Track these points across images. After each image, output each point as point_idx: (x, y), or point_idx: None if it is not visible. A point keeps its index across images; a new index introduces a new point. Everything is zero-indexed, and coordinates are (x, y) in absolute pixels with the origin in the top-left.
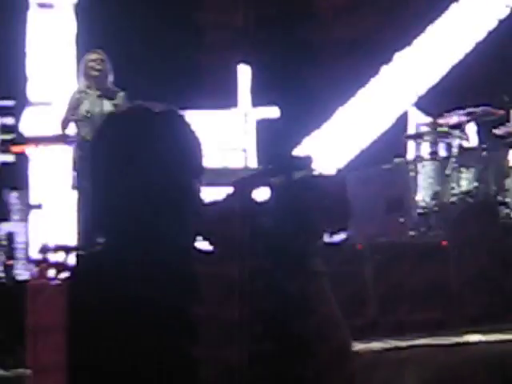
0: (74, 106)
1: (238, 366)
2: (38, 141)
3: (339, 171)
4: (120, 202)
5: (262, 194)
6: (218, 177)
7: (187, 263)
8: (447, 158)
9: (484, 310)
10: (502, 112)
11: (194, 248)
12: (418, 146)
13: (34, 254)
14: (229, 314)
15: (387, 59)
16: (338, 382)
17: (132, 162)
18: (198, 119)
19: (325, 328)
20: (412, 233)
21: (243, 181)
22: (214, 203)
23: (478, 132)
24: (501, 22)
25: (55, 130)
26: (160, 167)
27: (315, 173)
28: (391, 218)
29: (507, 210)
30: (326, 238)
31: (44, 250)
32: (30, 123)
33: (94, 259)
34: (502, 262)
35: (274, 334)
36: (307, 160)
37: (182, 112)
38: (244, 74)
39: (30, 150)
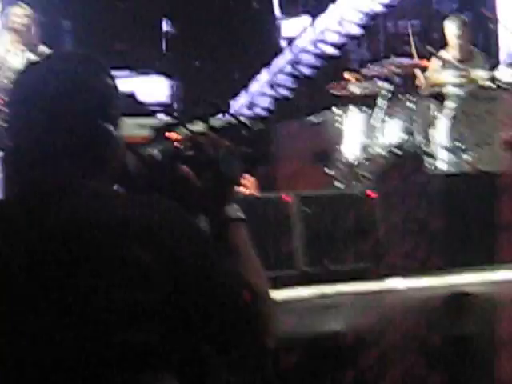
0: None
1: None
2: None
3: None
4: (35, 151)
5: (181, 141)
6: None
7: (109, 209)
8: (373, 109)
9: (410, 257)
10: (424, 63)
11: (117, 195)
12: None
13: None
14: (146, 259)
15: None
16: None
17: (48, 109)
18: None
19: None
20: (339, 184)
21: (163, 128)
22: (136, 151)
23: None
24: None
25: None
26: (77, 114)
27: (235, 120)
28: (318, 170)
29: (432, 161)
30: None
31: None
32: None
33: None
34: (427, 210)
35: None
36: (223, 105)
37: (98, 58)
38: None
39: None
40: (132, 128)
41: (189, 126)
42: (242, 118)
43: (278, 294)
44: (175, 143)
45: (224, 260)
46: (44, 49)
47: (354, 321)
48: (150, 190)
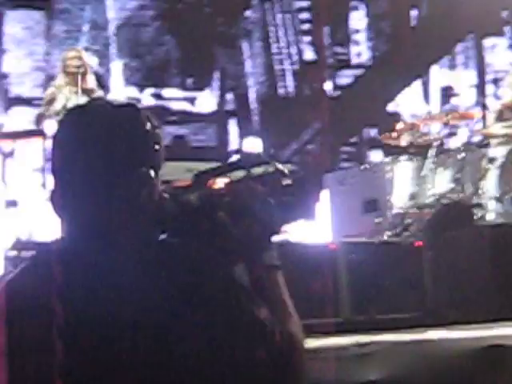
0: (48, 102)
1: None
2: (13, 136)
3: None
4: (77, 195)
5: (220, 188)
6: (178, 171)
7: (147, 256)
8: (424, 159)
9: (454, 307)
10: (480, 115)
11: (155, 240)
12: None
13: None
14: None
15: None
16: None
17: (89, 154)
18: None
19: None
20: (387, 233)
21: (203, 174)
22: (174, 196)
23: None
24: None
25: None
26: (117, 160)
27: (274, 168)
28: (367, 218)
29: (482, 212)
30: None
31: (17, 246)
32: (9, 119)
33: (52, 249)
34: (476, 263)
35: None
36: (266, 155)
37: (142, 106)
38: None
39: (5, 145)
40: (177, 171)
41: (229, 172)
42: (282, 167)
43: (319, 342)
44: (214, 190)
45: (259, 307)
46: (99, 92)
47: (390, 370)
48: (188, 236)
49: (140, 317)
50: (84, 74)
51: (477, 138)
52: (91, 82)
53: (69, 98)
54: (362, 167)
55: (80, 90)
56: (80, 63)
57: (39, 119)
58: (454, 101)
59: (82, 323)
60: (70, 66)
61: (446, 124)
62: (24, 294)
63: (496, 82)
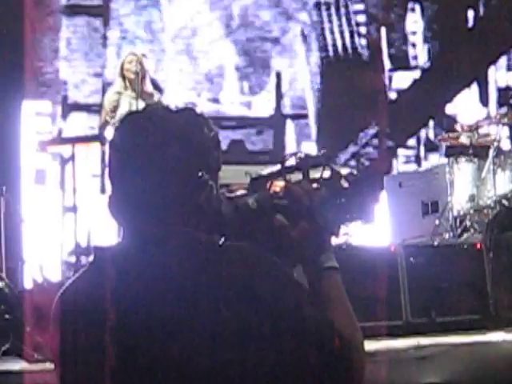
0: (111, 109)
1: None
2: (75, 141)
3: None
4: (135, 200)
5: (278, 191)
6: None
7: (207, 260)
8: (483, 161)
9: None
10: None
11: (215, 245)
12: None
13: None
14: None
15: None
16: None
17: (146, 159)
18: None
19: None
20: (447, 235)
21: (260, 177)
22: (232, 200)
23: None
24: None
25: (94, 131)
26: (175, 165)
27: (331, 171)
28: (427, 220)
29: None
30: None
31: (76, 252)
32: (70, 124)
33: (110, 255)
34: None
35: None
36: (324, 158)
37: (199, 111)
38: None
39: (66, 151)
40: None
41: (286, 175)
42: (339, 169)
43: (379, 344)
44: (271, 192)
45: (317, 309)
46: (158, 96)
47: (450, 373)
48: (246, 238)
49: (201, 323)
50: (143, 79)
51: None
52: (149, 86)
53: (131, 102)
54: (422, 169)
55: (139, 95)
56: (138, 68)
57: (103, 127)
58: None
59: (139, 330)
60: (129, 70)
61: (504, 125)
62: (82, 300)
63: None
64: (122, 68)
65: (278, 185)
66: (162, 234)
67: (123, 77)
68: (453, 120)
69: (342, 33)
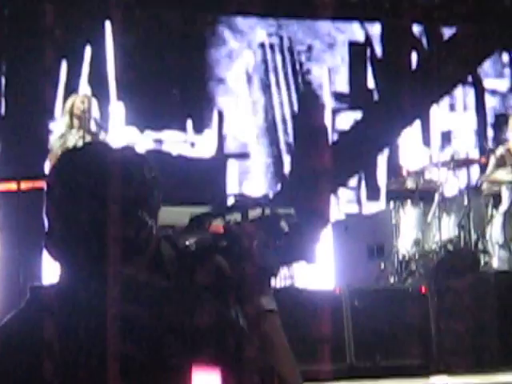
0: (57, 148)
1: None
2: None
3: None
4: (72, 238)
5: (218, 231)
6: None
7: (143, 298)
8: (428, 205)
9: (460, 354)
10: (483, 160)
11: (152, 284)
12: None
13: None
14: (166, 353)
15: None
16: None
17: (85, 197)
18: None
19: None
20: (392, 279)
21: (200, 218)
22: (172, 240)
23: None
24: None
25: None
26: (113, 203)
27: (271, 212)
28: (372, 264)
29: (487, 258)
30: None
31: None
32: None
33: (47, 293)
34: (481, 310)
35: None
36: (263, 198)
37: (139, 151)
38: None
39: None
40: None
41: (226, 216)
42: (278, 210)
43: None
44: (211, 233)
45: (257, 352)
46: (103, 135)
47: None
48: (185, 279)
49: (137, 359)
50: (90, 119)
51: (481, 184)
52: (95, 125)
53: (77, 141)
54: (367, 213)
55: (85, 134)
56: (87, 108)
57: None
58: (454, 145)
59: (74, 367)
60: (79, 109)
61: (449, 169)
62: (14, 340)
63: (496, 126)
64: (71, 106)
65: (218, 225)
66: (98, 274)
67: (71, 115)
68: (396, 163)
69: (285, 74)
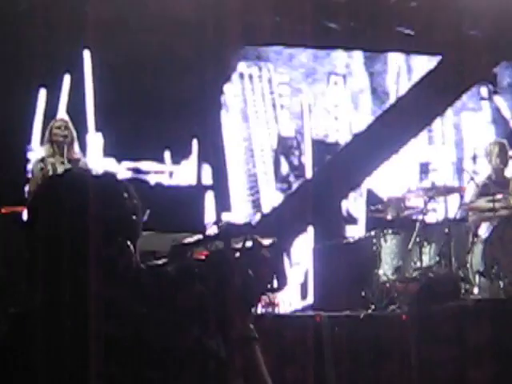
0: (38, 171)
1: None
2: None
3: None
4: (50, 265)
5: (199, 259)
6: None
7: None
8: (409, 233)
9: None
10: (463, 188)
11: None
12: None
13: None
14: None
15: None
16: None
17: (65, 222)
18: None
19: None
20: (373, 307)
21: (182, 246)
22: (152, 267)
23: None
24: None
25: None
26: (93, 229)
27: (252, 240)
28: (353, 291)
29: (468, 286)
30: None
31: None
32: None
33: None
34: (460, 339)
35: None
36: (246, 227)
37: (119, 177)
38: None
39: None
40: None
41: (208, 244)
42: (260, 239)
43: None
44: (192, 261)
45: (236, 378)
46: (84, 161)
47: None
48: (166, 307)
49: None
50: (70, 144)
51: (461, 213)
52: (77, 151)
53: (56, 169)
54: (348, 240)
55: (66, 160)
56: (66, 133)
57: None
58: (432, 176)
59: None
60: (58, 135)
61: (430, 198)
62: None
63: (475, 158)
64: (50, 133)
65: (200, 252)
66: (77, 299)
67: (51, 141)
68: (377, 192)
69: (264, 104)
